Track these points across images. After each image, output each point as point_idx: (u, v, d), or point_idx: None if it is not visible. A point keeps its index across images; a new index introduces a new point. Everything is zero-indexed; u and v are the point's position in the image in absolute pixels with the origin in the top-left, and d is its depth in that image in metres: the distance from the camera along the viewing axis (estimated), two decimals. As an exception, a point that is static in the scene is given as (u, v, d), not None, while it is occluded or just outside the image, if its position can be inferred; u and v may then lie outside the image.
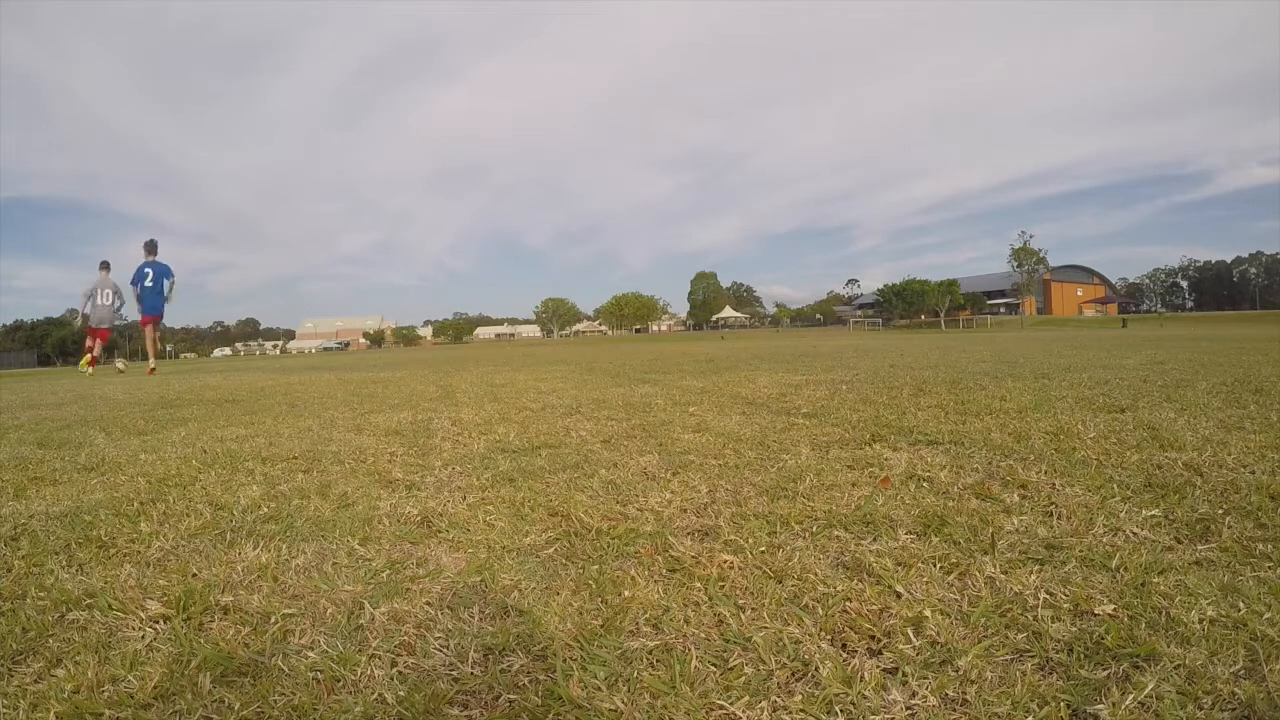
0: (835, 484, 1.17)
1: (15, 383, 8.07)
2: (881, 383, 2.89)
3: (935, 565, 0.80)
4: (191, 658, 0.65)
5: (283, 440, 1.92)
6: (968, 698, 0.55)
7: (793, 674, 0.59)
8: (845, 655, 0.62)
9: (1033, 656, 0.60)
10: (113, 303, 7.94)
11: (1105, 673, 0.57)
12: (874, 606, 0.70)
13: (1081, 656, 0.60)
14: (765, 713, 0.54)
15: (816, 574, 0.79)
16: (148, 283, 7.73)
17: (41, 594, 0.82)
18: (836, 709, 0.54)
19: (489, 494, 1.22)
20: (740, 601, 0.73)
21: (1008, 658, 0.60)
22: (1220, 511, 0.94)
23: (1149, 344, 6.73)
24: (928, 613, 0.68)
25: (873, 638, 0.64)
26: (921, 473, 1.21)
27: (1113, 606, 0.68)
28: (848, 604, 0.71)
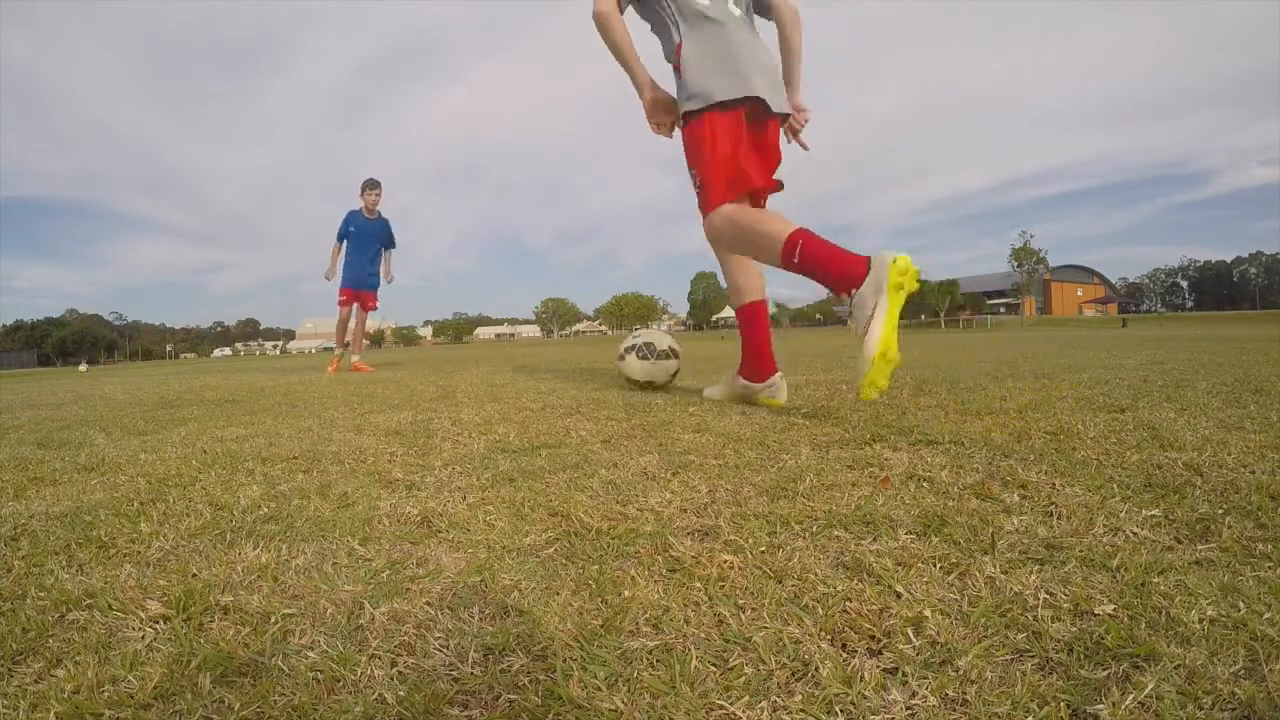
0: (835, 484, 1.17)
1: (15, 383, 8.07)
2: (881, 383, 2.89)
3: (935, 565, 0.80)
4: (191, 658, 0.65)
5: (283, 440, 1.92)
6: (968, 698, 0.55)
7: (793, 674, 0.59)
8: (845, 655, 0.62)
9: (1033, 656, 0.60)
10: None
11: (1105, 673, 0.57)
12: (874, 606, 0.70)
13: (1081, 656, 0.60)
14: (765, 713, 0.54)
15: (816, 574, 0.79)
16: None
17: (41, 594, 0.82)
18: (836, 709, 0.54)
19: (489, 494, 1.22)
20: (740, 601, 0.73)
21: (1008, 658, 0.60)
22: (1220, 511, 0.94)
23: (1149, 344, 6.73)
24: (928, 613, 0.68)
25: (873, 638, 0.64)
26: (921, 473, 1.21)
27: (1113, 606, 0.68)
28: (848, 604, 0.71)
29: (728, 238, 2.08)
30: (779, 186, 2.26)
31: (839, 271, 1.79)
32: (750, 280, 2.39)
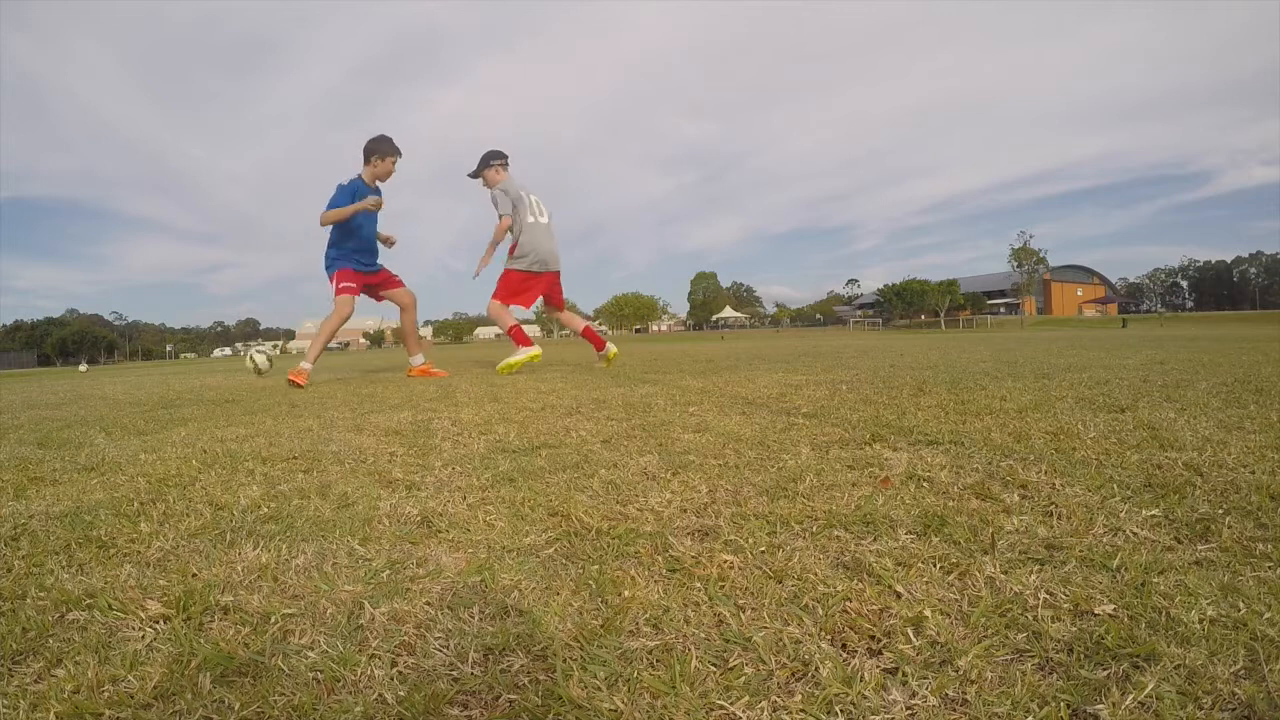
0: (835, 484, 1.17)
1: (15, 383, 8.07)
2: (881, 383, 2.89)
3: (935, 565, 0.80)
4: (191, 658, 0.65)
5: (283, 440, 1.92)
6: (968, 698, 0.55)
7: (793, 674, 0.59)
8: (845, 655, 0.62)
9: (1033, 656, 0.60)
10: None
11: (1105, 673, 0.57)
12: (874, 606, 0.70)
13: (1081, 656, 0.60)
14: (765, 713, 0.54)
15: (816, 574, 0.79)
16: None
17: (41, 594, 0.82)
18: (836, 709, 0.54)
19: (489, 494, 1.22)
20: (740, 601, 0.73)
21: (1008, 658, 0.60)
22: (1220, 511, 0.94)
23: (1149, 344, 6.73)
24: (928, 613, 0.68)
25: (873, 638, 0.64)
26: (921, 473, 1.21)
27: (1113, 606, 0.68)
28: (848, 604, 0.71)
29: (491, 314, 4.77)
30: (562, 306, 5.06)
31: (519, 341, 4.75)
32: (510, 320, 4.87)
